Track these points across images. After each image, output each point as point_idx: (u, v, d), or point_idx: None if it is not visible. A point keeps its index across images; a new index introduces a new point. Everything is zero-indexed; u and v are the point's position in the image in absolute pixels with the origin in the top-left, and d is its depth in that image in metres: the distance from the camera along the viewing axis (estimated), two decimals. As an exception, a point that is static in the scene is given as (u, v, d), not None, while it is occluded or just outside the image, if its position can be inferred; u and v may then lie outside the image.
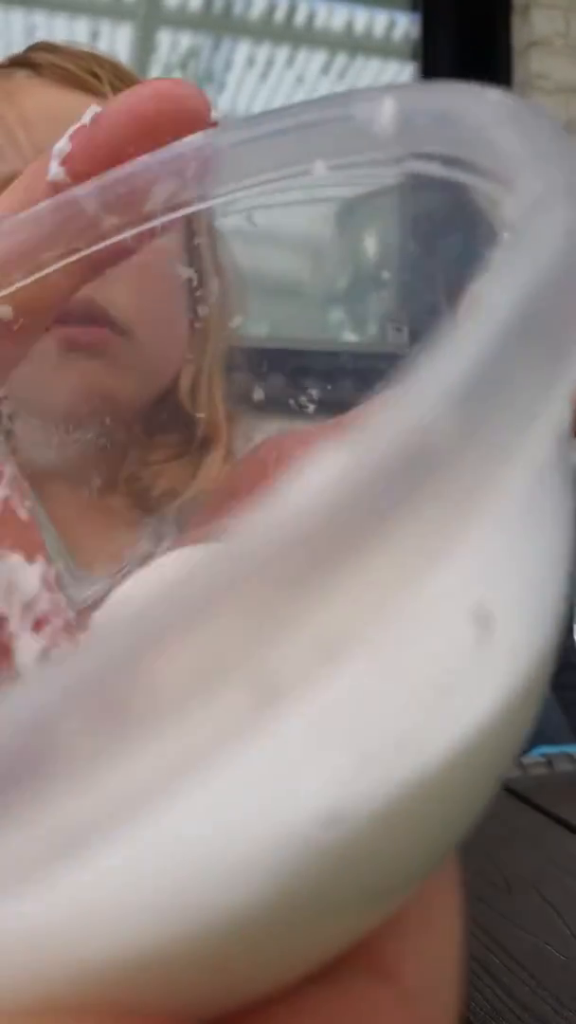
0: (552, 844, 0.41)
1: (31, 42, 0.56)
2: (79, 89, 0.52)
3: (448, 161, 0.12)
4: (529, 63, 1.62)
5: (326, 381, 0.20)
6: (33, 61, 0.53)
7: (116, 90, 0.52)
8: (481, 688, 0.09)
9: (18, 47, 0.56)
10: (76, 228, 0.17)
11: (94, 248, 0.17)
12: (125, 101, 0.16)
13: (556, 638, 0.10)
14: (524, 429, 0.07)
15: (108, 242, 0.17)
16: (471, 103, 0.12)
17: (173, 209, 0.17)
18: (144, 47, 1.65)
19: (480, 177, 0.12)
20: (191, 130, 0.16)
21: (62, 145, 0.17)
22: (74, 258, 0.17)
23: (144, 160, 0.16)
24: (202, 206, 0.17)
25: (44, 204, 0.17)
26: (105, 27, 1.63)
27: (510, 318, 0.08)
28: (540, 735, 0.74)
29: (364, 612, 0.07)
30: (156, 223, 0.17)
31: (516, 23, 1.65)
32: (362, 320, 0.22)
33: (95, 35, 1.61)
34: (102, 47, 0.99)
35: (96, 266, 0.18)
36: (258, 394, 0.22)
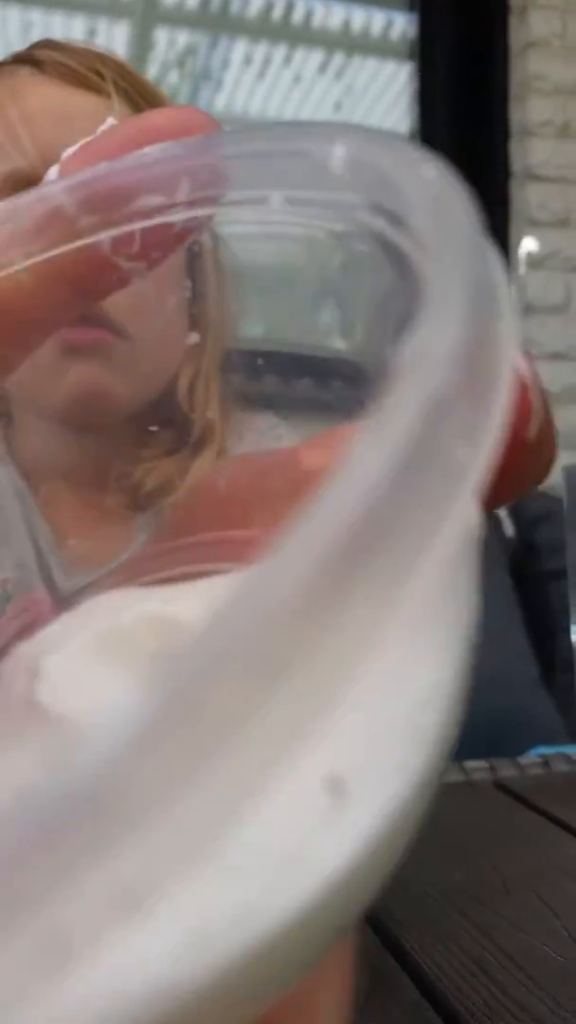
0: (549, 845, 0.41)
1: (27, 39, 0.56)
2: (82, 87, 0.52)
3: (394, 220, 0.12)
4: (526, 64, 1.62)
5: (318, 380, 0.19)
6: (37, 58, 0.53)
7: (120, 88, 0.52)
8: (330, 852, 0.09)
9: (15, 44, 0.56)
10: (56, 227, 0.16)
11: (64, 248, 0.16)
12: (143, 118, 0.16)
13: (435, 768, 0.10)
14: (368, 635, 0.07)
15: (76, 244, 0.16)
16: (408, 173, 0.12)
17: (148, 216, 0.16)
18: (141, 45, 1.65)
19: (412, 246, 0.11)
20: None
21: (70, 150, 0.17)
22: (41, 257, 0.16)
23: (132, 162, 0.16)
24: (172, 218, 0.16)
25: (25, 198, 0.16)
26: (102, 24, 1.63)
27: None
28: (537, 735, 0.74)
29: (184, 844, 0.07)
30: (135, 227, 0.16)
31: (513, 24, 1.65)
32: (352, 322, 0.22)
33: (92, 32, 1.61)
34: (99, 45, 0.98)
35: (73, 277, 0.16)
36: (252, 393, 0.22)
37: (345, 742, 0.09)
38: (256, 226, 0.16)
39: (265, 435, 0.52)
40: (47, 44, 0.55)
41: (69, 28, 1.59)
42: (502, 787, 0.48)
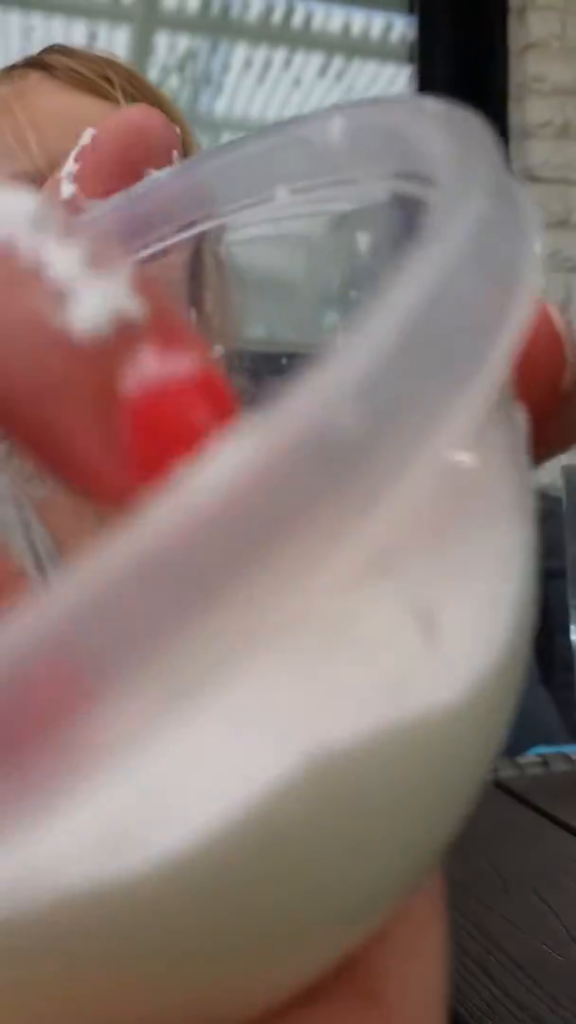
0: (549, 844, 0.42)
1: (28, 43, 0.57)
2: (91, 93, 0.52)
3: (401, 175, 0.13)
4: (526, 65, 1.62)
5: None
6: (47, 63, 0.53)
7: (127, 94, 0.53)
8: (430, 684, 0.09)
9: (15, 48, 0.56)
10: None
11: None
12: (115, 121, 0.18)
13: (519, 641, 0.10)
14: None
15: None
16: (410, 117, 0.12)
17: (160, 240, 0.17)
18: (141, 49, 1.65)
19: (428, 187, 0.12)
20: (166, 150, 0.17)
21: (70, 167, 0.18)
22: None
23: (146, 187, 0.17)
24: (178, 238, 0.17)
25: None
26: (103, 29, 1.63)
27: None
28: (537, 735, 0.74)
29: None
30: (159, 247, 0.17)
31: (513, 25, 1.65)
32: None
33: (92, 37, 1.61)
34: (99, 49, 0.99)
35: None
36: (251, 397, 0.22)
37: (436, 581, 0.09)
38: (266, 226, 0.16)
39: None
40: (58, 49, 0.55)
41: (70, 32, 1.60)
42: (501, 786, 0.48)
